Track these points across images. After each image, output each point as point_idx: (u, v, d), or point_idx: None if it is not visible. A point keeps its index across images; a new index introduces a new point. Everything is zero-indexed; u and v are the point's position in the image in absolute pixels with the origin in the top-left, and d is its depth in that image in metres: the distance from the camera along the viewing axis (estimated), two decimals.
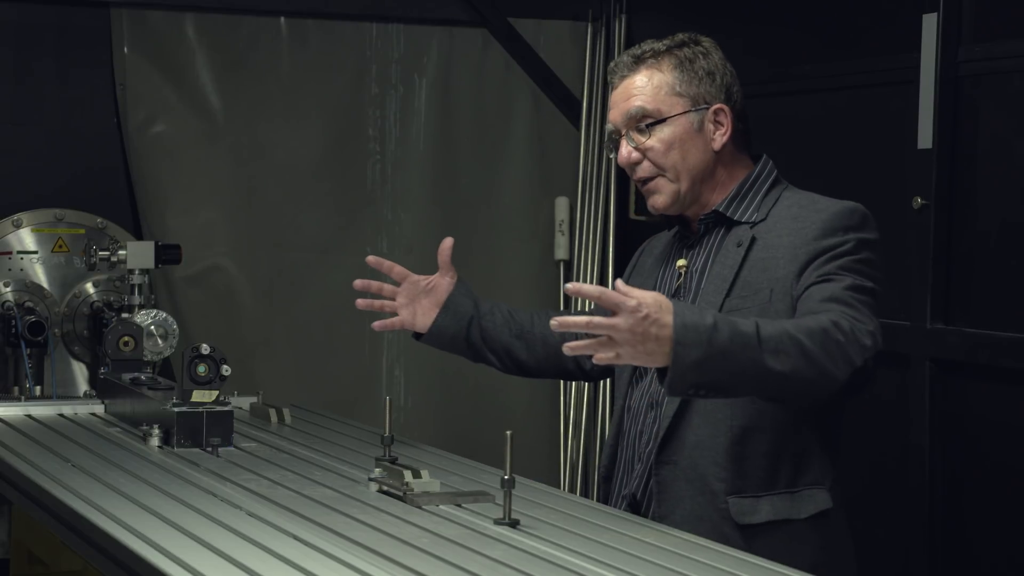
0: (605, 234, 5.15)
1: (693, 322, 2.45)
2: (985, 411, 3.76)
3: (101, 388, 3.90)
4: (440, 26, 5.11)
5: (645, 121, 2.85)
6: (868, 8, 4.14)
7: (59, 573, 3.36)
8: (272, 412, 3.68)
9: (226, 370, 3.28)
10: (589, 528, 2.55)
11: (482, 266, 5.04)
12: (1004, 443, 3.71)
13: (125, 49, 4.80)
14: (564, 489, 5.00)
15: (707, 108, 2.86)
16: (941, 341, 3.81)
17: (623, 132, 2.89)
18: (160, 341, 4.03)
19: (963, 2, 3.79)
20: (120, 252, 4.14)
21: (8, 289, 4.42)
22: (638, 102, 2.86)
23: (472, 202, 5.17)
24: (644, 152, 2.87)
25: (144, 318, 4.04)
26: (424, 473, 2.74)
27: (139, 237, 4.73)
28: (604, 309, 2.46)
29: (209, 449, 3.21)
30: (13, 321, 4.23)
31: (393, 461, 2.89)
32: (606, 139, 2.97)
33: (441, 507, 2.65)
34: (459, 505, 2.67)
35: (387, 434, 2.94)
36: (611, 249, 5.13)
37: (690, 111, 2.86)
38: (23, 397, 4.01)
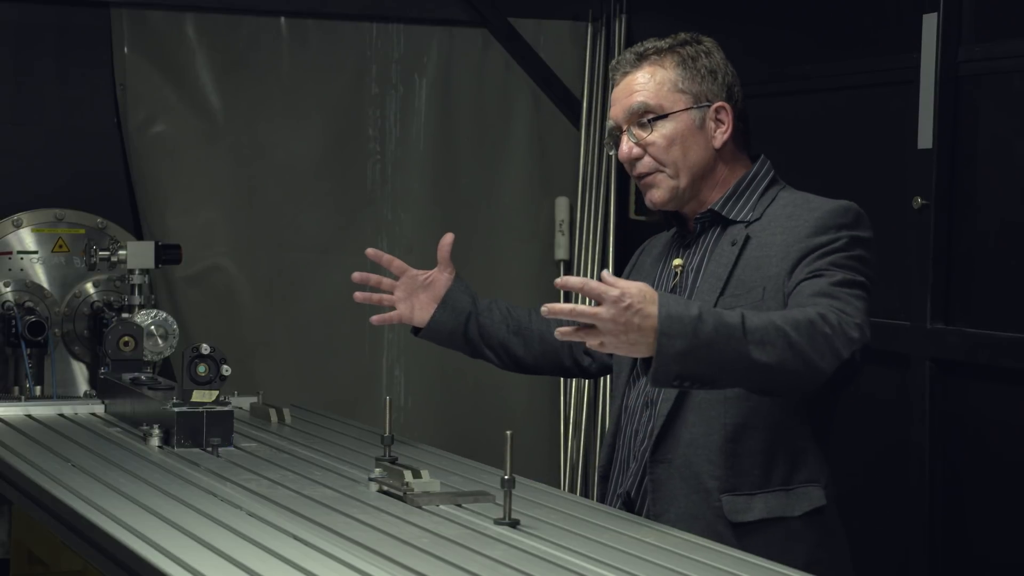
0: (605, 234, 5.15)
1: (678, 313, 2.45)
2: (985, 411, 3.76)
3: (101, 388, 3.90)
4: (440, 26, 5.11)
5: (647, 116, 2.86)
6: (868, 8, 4.14)
7: (59, 573, 3.36)
8: (272, 412, 3.68)
9: (226, 370, 3.28)
10: (589, 528, 2.55)
11: (482, 266, 5.04)
12: (1004, 443, 3.71)
13: (125, 49, 4.80)
14: (564, 489, 4.99)
15: (709, 106, 2.86)
16: (941, 341, 3.81)
17: (624, 128, 2.89)
18: (160, 341, 4.03)
19: (963, 2, 3.79)
20: (120, 252, 4.14)
21: (8, 289, 4.42)
22: (640, 98, 2.86)
23: (472, 202, 5.17)
24: (645, 148, 2.87)
25: (144, 318, 4.04)
26: (424, 473, 2.74)
27: (139, 237, 4.73)
28: None
29: (209, 449, 3.21)
30: (13, 321, 4.23)
31: (393, 461, 2.88)
32: (607, 136, 2.97)
33: (441, 507, 2.65)
34: (459, 505, 2.67)
35: (387, 434, 2.94)
36: (611, 249, 5.13)
37: (692, 108, 2.86)
38: (23, 397, 4.01)
